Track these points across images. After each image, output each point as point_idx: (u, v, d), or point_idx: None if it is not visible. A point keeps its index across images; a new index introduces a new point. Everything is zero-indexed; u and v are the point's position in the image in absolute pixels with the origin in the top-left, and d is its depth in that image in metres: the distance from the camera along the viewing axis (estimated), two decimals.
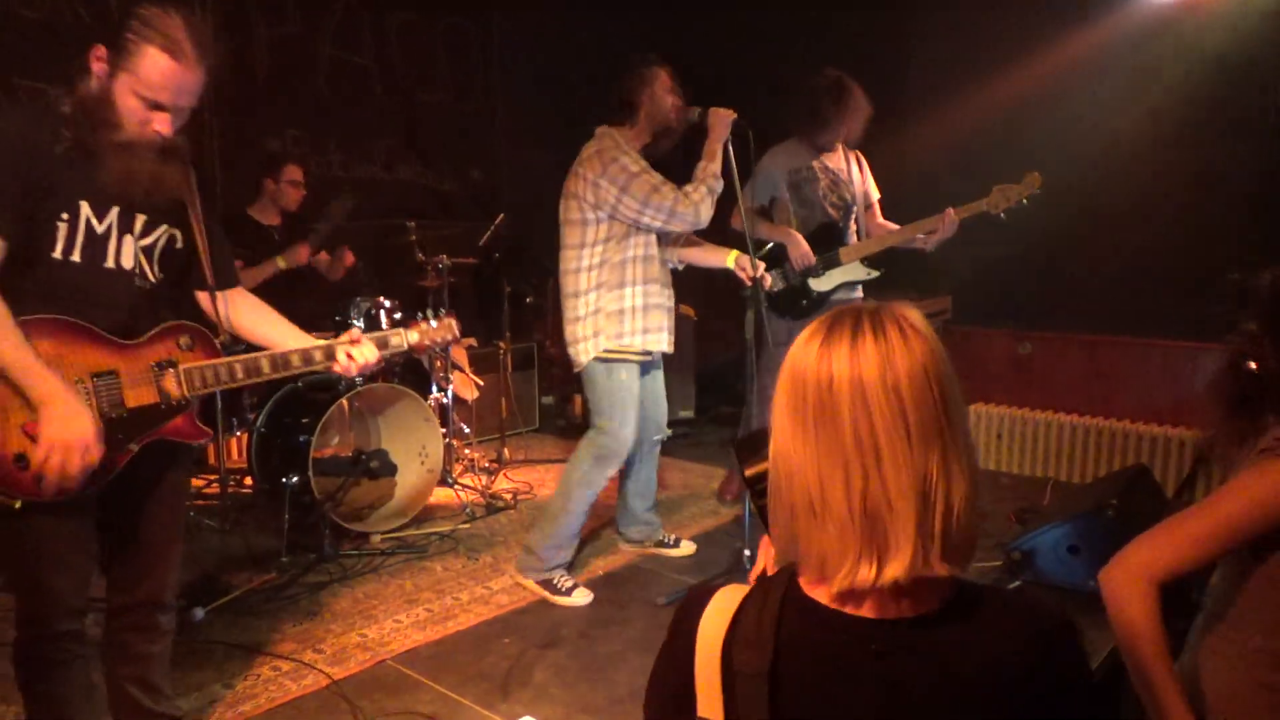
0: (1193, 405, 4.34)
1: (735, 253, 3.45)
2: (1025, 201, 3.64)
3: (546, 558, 3.44)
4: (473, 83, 6.18)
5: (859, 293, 4.05)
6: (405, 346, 2.30)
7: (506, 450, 5.14)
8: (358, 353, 2.14)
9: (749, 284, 3.36)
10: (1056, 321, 4.81)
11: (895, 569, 0.95)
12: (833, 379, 0.97)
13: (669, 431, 3.77)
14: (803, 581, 1.03)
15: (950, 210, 3.70)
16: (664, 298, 3.41)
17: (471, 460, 4.92)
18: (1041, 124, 4.57)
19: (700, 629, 1.04)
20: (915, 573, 0.95)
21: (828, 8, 5.42)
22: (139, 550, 2.09)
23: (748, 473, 1.23)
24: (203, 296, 2.14)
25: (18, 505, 1.79)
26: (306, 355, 2.12)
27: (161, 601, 2.13)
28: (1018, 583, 2.54)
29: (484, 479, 4.73)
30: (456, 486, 4.55)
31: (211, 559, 3.64)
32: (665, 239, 3.48)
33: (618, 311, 3.31)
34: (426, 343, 2.35)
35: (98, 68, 1.84)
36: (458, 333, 2.43)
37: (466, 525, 4.17)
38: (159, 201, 1.96)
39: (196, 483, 4.26)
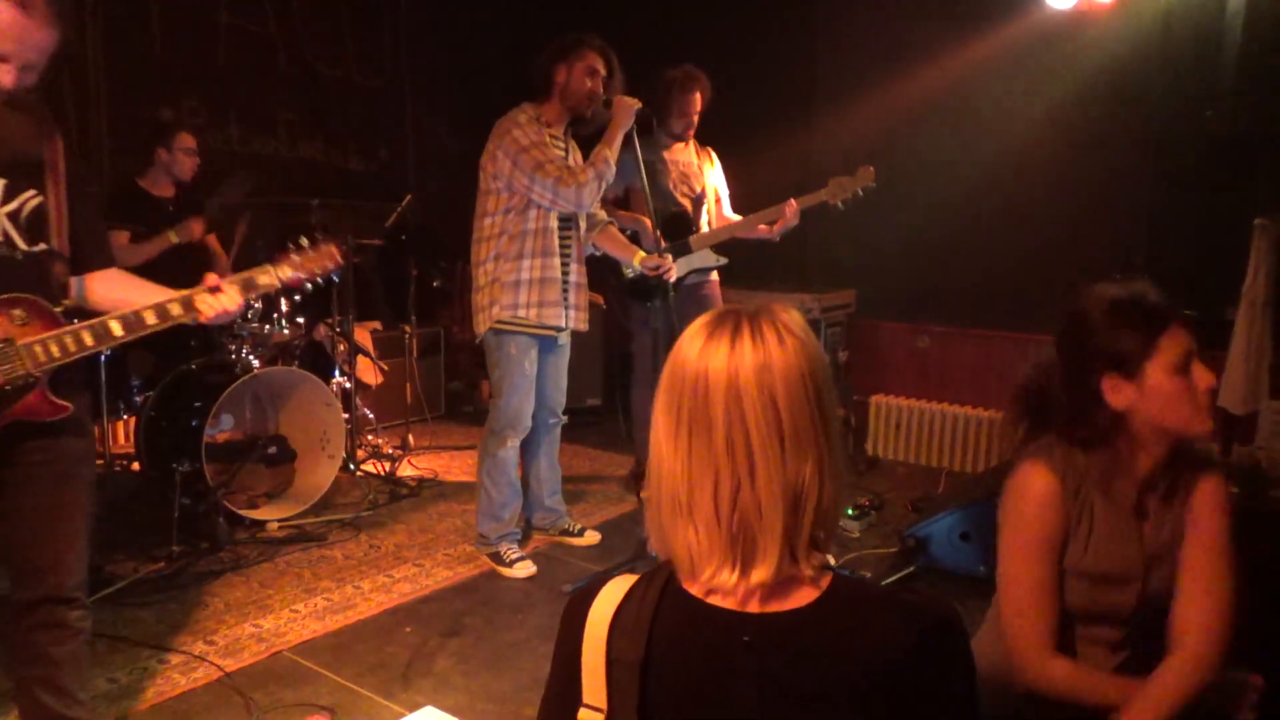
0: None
1: (641, 253, 3.49)
2: (861, 193, 3.79)
3: (485, 531, 3.54)
4: (380, 57, 6.01)
5: (713, 277, 4.19)
6: (277, 284, 2.13)
7: (411, 436, 5.05)
8: (216, 301, 2.00)
9: (654, 277, 3.38)
10: (953, 316, 4.98)
11: (760, 574, 0.96)
12: (709, 380, 0.97)
13: (564, 418, 3.76)
14: (680, 573, 1.04)
15: (792, 200, 3.84)
16: (569, 273, 3.40)
17: (375, 446, 4.81)
18: (942, 124, 4.73)
19: (589, 618, 1.05)
20: (781, 576, 0.97)
21: (737, 7, 5.47)
22: (33, 542, 1.96)
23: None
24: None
25: None
26: (161, 310, 1.96)
27: (64, 597, 1.99)
28: (912, 568, 2.64)
29: (388, 465, 4.64)
30: (359, 473, 4.45)
31: (94, 548, 3.46)
32: (589, 222, 3.48)
33: (514, 283, 3.30)
34: (303, 275, 2.16)
35: None
36: (339, 258, 2.24)
37: (369, 512, 4.09)
38: (20, 164, 1.84)
39: None
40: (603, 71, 3.31)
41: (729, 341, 0.98)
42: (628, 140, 3.29)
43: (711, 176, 4.18)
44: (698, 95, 4.01)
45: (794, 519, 0.96)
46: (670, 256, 3.42)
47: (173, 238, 4.07)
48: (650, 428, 1.04)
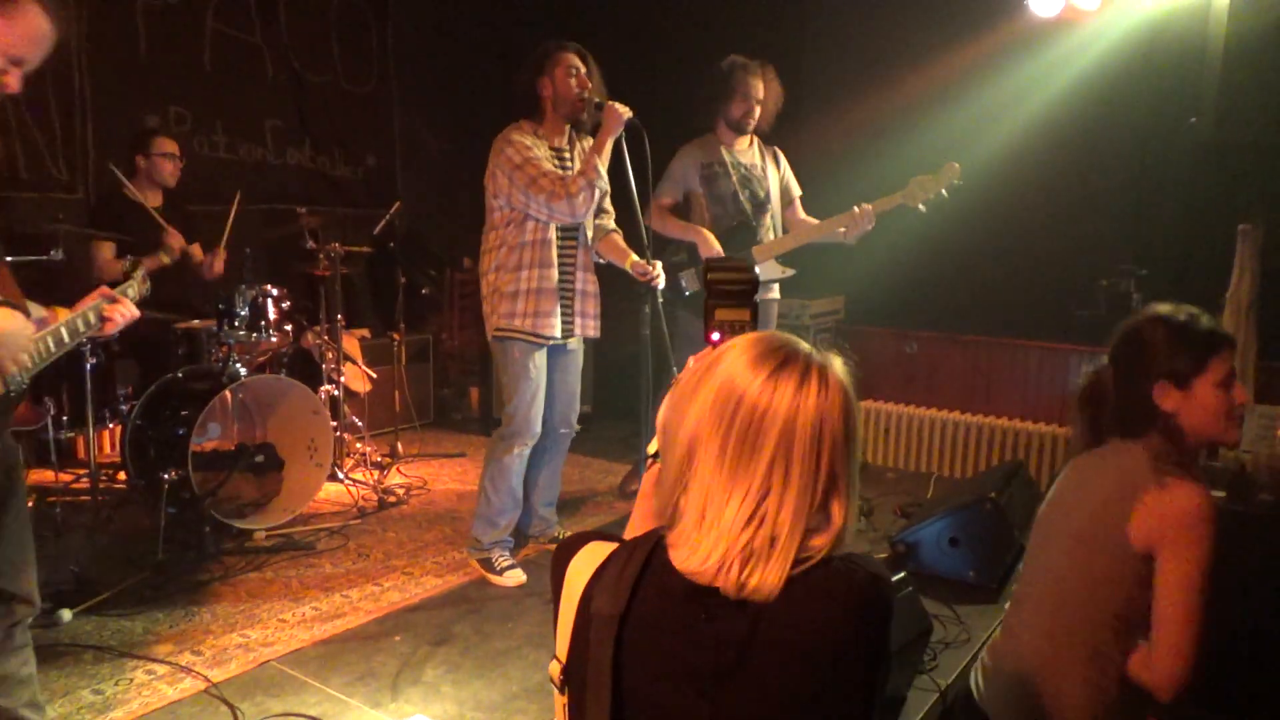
0: (1066, 404, 4.58)
1: (633, 257, 3.48)
2: (945, 193, 3.68)
3: (478, 535, 3.52)
4: (368, 64, 6.00)
5: (774, 292, 4.11)
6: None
7: (400, 445, 5.03)
8: (118, 310, 2.07)
9: (644, 282, 3.37)
10: (941, 322, 5.00)
11: (757, 583, 1.03)
12: (769, 415, 1.04)
13: (577, 428, 3.74)
14: (669, 546, 1.11)
15: (866, 205, 3.73)
16: (572, 282, 3.41)
17: (363, 455, 4.79)
18: (929, 131, 4.74)
19: (567, 574, 1.14)
20: (777, 586, 1.04)
21: (722, 15, 5.49)
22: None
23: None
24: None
25: None
26: (75, 324, 2.01)
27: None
28: (902, 574, 2.64)
29: (376, 474, 4.62)
30: (347, 481, 4.43)
31: (80, 558, 3.44)
32: (595, 232, 3.50)
33: (511, 293, 3.33)
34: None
35: None
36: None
37: (357, 521, 4.07)
38: None
39: (64, 477, 4.02)
40: (583, 68, 3.31)
41: (796, 384, 1.06)
42: (617, 150, 3.28)
43: (778, 178, 4.07)
44: (758, 81, 3.86)
45: (803, 545, 1.05)
46: (660, 264, 3.41)
47: (164, 259, 4.05)
48: (674, 426, 1.11)
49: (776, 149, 4.14)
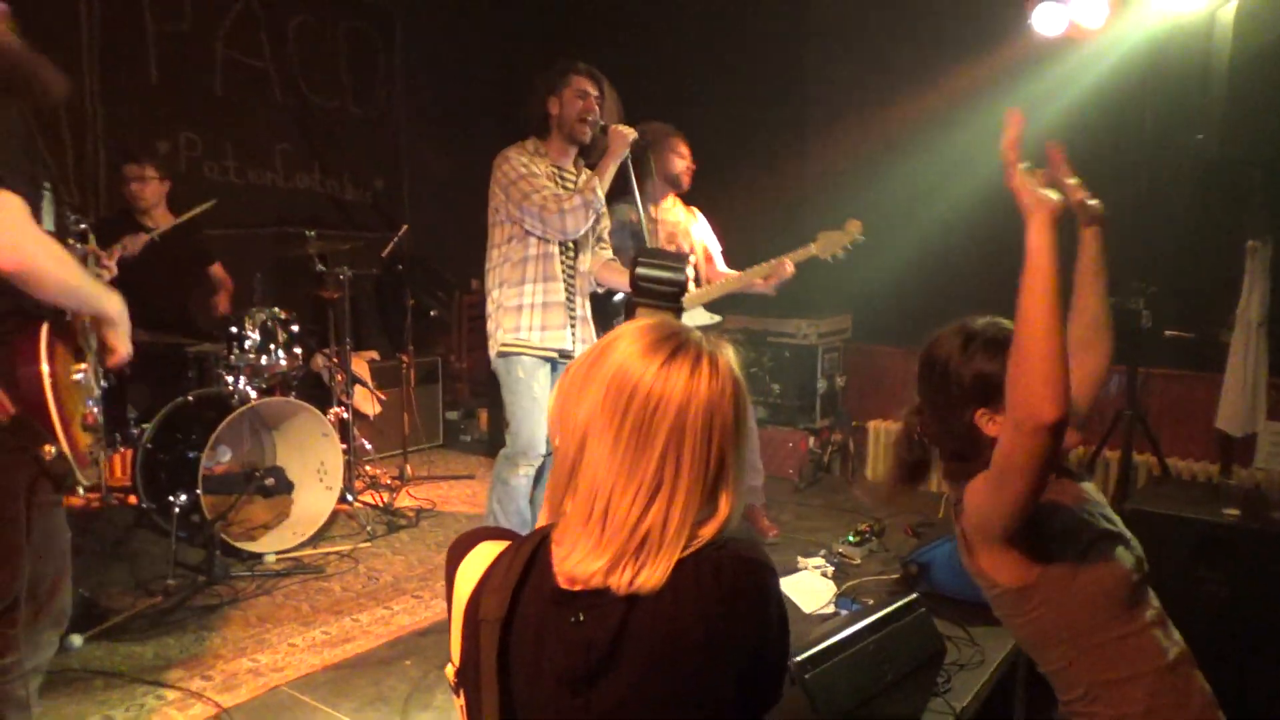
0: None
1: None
2: (850, 248, 3.77)
3: None
4: (375, 89, 6.05)
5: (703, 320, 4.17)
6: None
7: (409, 466, 5.03)
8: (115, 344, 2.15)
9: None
10: None
11: (644, 581, 1.02)
12: (662, 402, 1.04)
13: None
14: (554, 543, 1.10)
15: (786, 259, 3.82)
16: (574, 305, 3.42)
17: (373, 477, 4.79)
18: (934, 149, 4.75)
19: (457, 577, 1.14)
20: (662, 580, 1.03)
21: (727, 38, 5.52)
22: None
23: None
24: None
25: (80, 494, 2.00)
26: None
27: None
28: (914, 595, 2.62)
29: (386, 496, 4.61)
30: (357, 504, 4.42)
31: (91, 583, 3.44)
32: (595, 261, 3.51)
33: (515, 307, 3.33)
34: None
35: None
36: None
37: (367, 544, 4.06)
38: None
39: (76, 502, 4.02)
40: (593, 92, 3.32)
41: (688, 370, 1.05)
42: (623, 170, 3.30)
43: (698, 233, 4.19)
44: (682, 147, 4.04)
45: (691, 539, 1.05)
46: None
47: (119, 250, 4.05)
48: (566, 418, 1.09)
49: (694, 207, 4.26)
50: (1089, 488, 1.72)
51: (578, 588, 1.05)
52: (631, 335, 1.09)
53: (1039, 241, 1.53)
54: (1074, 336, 1.75)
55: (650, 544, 1.03)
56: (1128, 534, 1.65)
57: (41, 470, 1.84)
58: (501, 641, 1.06)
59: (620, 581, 1.02)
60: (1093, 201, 1.84)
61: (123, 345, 2.09)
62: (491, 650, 1.06)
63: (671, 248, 4.07)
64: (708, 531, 1.06)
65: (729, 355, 1.09)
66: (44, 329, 1.85)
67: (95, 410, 2.02)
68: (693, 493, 1.04)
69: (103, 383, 3.61)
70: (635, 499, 1.03)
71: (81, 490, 1.95)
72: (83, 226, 2.37)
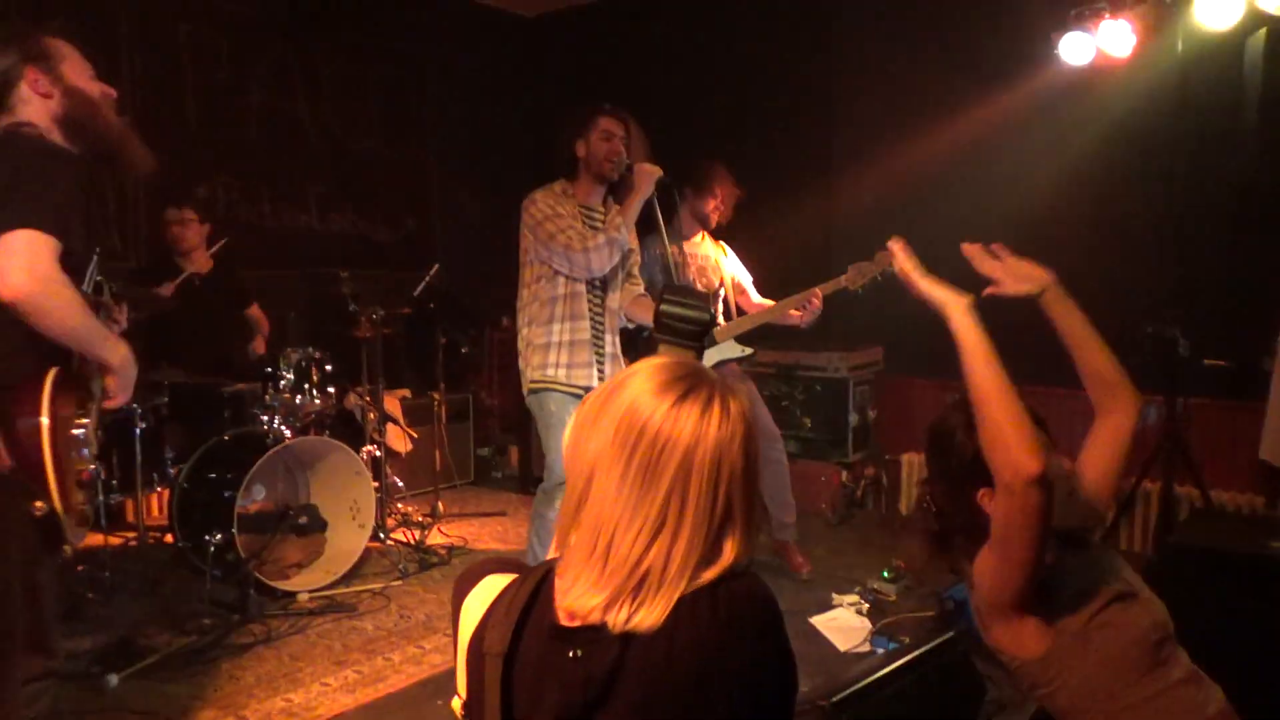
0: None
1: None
2: (879, 278, 3.78)
3: None
4: (406, 131, 6.17)
5: (735, 367, 4.17)
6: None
7: (441, 504, 5.04)
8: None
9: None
10: None
11: (641, 620, 1.02)
12: (671, 443, 1.04)
13: None
14: (557, 576, 1.10)
15: (817, 290, 3.86)
16: (601, 343, 3.43)
17: (405, 514, 4.81)
18: (963, 180, 4.74)
19: (463, 610, 1.14)
20: (659, 621, 1.02)
21: (756, 72, 5.57)
22: None
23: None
24: None
25: (69, 553, 1.95)
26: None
27: None
28: (951, 633, 2.57)
29: (417, 533, 4.62)
30: (389, 542, 4.44)
31: (127, 621, 3.47)
32: (625, 296, 3.53)
33: (544, 345, 3.36)
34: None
35: (40, 84, 1.96)
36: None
37: (399, 582, 4.07)
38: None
39: (114, 540, 4.07)
40: (619, 132, 3.36)
41: (699, 412, 1.05)
42: (649, 208, 3.33)
43: (728, 267, 4.24)
44: (720, 185, 4.10)
45: (694, 579, 1.04)
46: None
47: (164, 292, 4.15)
48: (577, 452, 1.09)
49: (724, 244, 4.30)
50: (1104, 552, 1.71)
51: (577, 623, 1.05)
52: (645, 373, 1.10)
53: (961, 328, 1.58)
54: (1093, 401, 1.79)
55: (650, 583, 1.03)
56: (1146, 593, 1.62)
57: (33, 526, 1.81)
58: (504, 676, 1.06)
59: (617, 619, 1.02)
60: (1028, 282, 1.99)
61: (122, 394, 2.08)
62: (495, 684, 1.06)
63: (702, 281, 4.12)
64: (710, 575, 1.05)
65: (743, 400, 1.09)
66: (50, 376, 1.83)
67: (91, 466, 2.00)
68: (696, 534, 1.03)
69: (141, 423, 3.69)
70: (638, 537, 1.03)
71: (68, 551, 1.93)
72: (98, 278, 2.40)
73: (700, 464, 1.03)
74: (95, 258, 2.03)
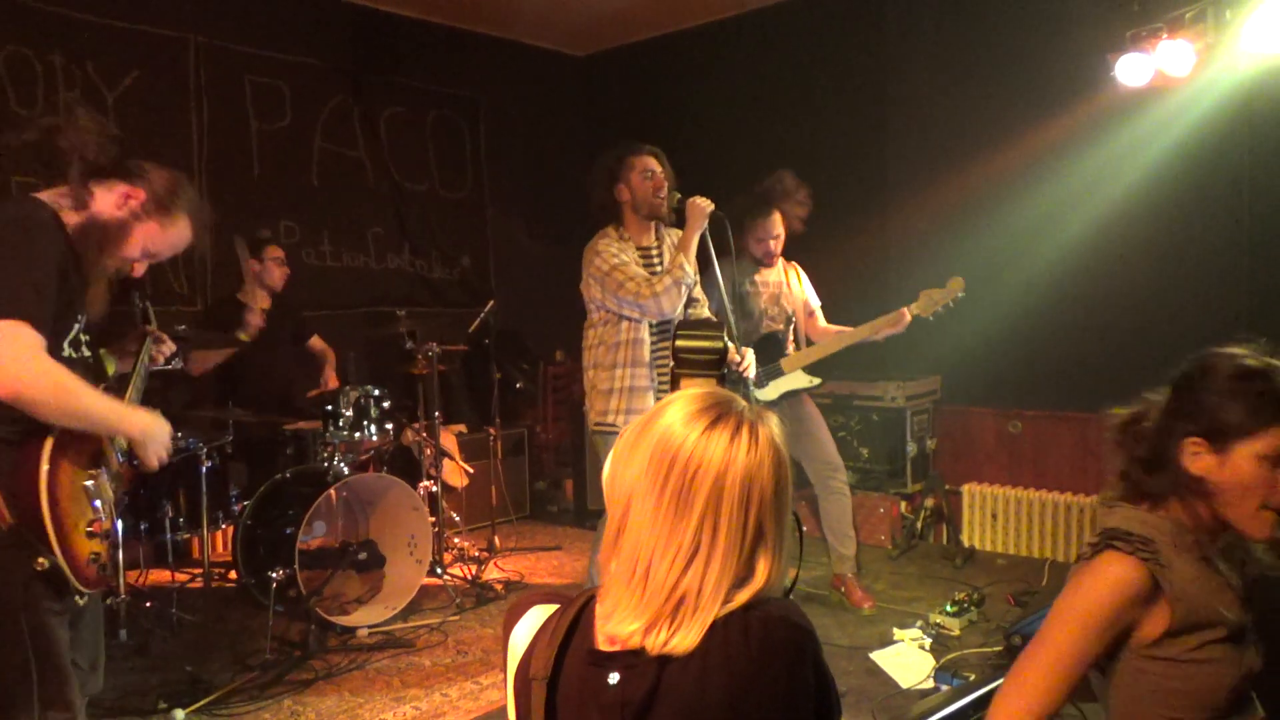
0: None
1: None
2: (951, 305, 3.76)
3: None
4: (461, 172, 6.29)
5: (804, 398, 4.13)
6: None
7: (497, 538, 5.07)
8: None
9: (735, 370, 3.38)
10: (1045, 399, 4.82)
11: (678, 643, 1.05)
12: (702, 469, 1.07)
13: None
14: (598, 602, 1.14)
15: (904, 310, 3.82)
16: (662, 381, 3.43)
17: (461, 549, 4.84)
18: (1022, 205, 4.67)
19: (510, 643, 1.20)
20: (695, 643, 1.05)
21: (809, 108, 5.58)
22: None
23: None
24: None
25: (82, 602, 1.91)
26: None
27: None
28: None
29: (474, 568, 4.64)
30: (446, 576, 4.46)
31: (193, 657, 3.54)
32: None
33: (606, 390, 3.38)
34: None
35: (131, 205, 1.99)
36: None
37: (456, 617, 4.08)
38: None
39: (180, 577, 4.17)
40: (656, 168, 3.38)
41: (729, 438, 1.09)
42: (703, 243, 3.33)
43: (798, 290, 4.23)
44: (776, 216, 4.07)
45: (728, 601, 1.07)
46: (750, 352, 3.43)
47: (242, 336, 4.24)
48: (616, 481, 1.13)
49: (796, 265, 4.27)
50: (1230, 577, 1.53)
51: (616, 648, 1.09)
52: (679, 403, 1.14)
53: None
54: None
55: (686, 606, 1.06)
56: (1253, 637, 1.48)
57: (38, 580, 1.80)
58: (548, 700, 1.10)
59: (655, 642, 1.05)
60: None
61: (149, 460, 2.03)
62: (540, 709, 1.10)
63: (776, 308, 4.13)
64: (744, 595, 1.07)
65: (772, 426, 1.12)
66: (50, 438, 1.82)
67: (103, 517, 1.95)
68: (729, 557, 1.07)
69: (207, 462, 3.77)
70: (674, 561, 1.06)
71: (80, 600, 1.89)
72: (142, 305, 2.41)
73: (730, 489, 1.07)
74: (79, 322, 1.97)
